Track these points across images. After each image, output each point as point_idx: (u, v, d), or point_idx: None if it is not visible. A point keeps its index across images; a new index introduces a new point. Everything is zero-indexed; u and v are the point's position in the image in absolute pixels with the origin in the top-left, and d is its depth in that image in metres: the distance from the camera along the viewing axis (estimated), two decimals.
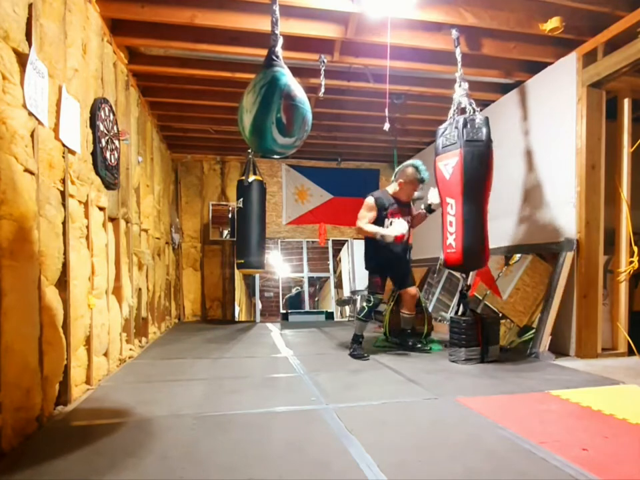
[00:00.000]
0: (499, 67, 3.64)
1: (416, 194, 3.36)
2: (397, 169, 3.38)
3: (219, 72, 3.69)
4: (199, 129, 5.13)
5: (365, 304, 3.30)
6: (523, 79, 3.78)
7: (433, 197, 3.21)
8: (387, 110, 3.47)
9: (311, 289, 7.26)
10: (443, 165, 2.98)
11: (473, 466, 1.44)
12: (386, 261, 3.28)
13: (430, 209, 3.34)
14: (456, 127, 2.90)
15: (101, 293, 2.64)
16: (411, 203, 3.43)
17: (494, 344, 3.07)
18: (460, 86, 3.13)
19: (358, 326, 3.31)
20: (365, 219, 3.22)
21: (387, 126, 3.46)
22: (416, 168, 3.21)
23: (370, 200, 3.26)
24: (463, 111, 3.09)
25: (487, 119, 2.93)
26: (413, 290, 3.44)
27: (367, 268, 3.37)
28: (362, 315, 3.28)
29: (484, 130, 2.87)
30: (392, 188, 3.34)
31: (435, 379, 2.61)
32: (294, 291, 8.48)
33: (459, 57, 3.12)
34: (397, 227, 3.09)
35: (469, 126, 2.86)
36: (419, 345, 3.50)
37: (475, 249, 2.91)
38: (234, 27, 3.00)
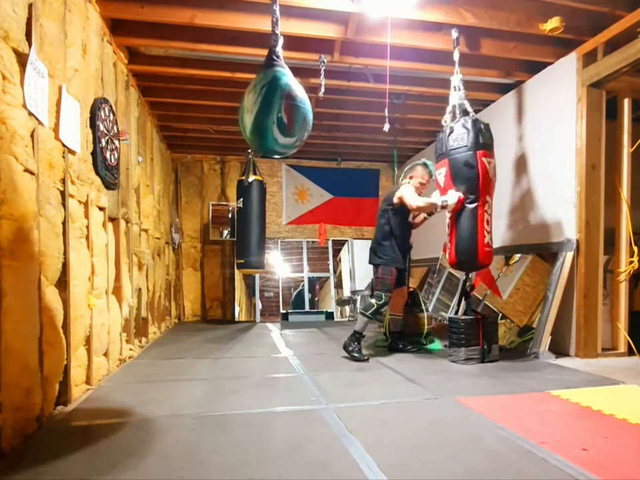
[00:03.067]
0: (498, 67, 3.64)
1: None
2: (405, 170, 3.37)
3: (218, 72, 3.69)
4: (199, 128, 5.13)
5: (374, 301, 3.12)
6: (523, 79, 3.78)
7: (452, 195, 2.98)
8: (386, 110, 3.47)
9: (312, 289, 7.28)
10: (488, 161, 2.91)
11: (472, 466, 1.44)
12: (402, 257, 3.23)
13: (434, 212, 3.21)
14: (486, 130, 2.97)
15: (101, 293, 2.64)
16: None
17: (494, 343, 3.07)
18: (459, 90, 3.13)
19: (362, 323, 3.13)
20: (415, 195, 3.11)
21: (386, 127, 3.46)
22: (425, 164, 3.25)
23: (409, 186, 3.21)
24: (465, 112, 3.10)
25: None
26: (405, 290, 3.45)
27: (383, 264, 3.19)
28: (370, 311, 3.10)
29: None
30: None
31: (435, 379, 2.61)
32: (301, 287, 8.43)
33: (456, 59, 3.11)
34: (452, 194, 2.96)
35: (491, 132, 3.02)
36: (409, 347, 3.48)
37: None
38: (234, 27, 3.00)
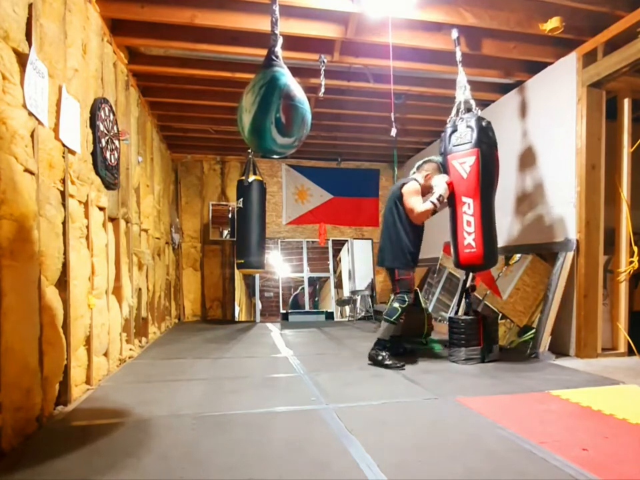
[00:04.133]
0: (498, 67, 3.64)
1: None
2: (419, 162, 3.22)
3: (218, 72, 3.69)
4: (199, 129, 5.13)
5: (398, 305, 2.93)
6: (523, 79, 3.78)
7: (439, 183, 2.98)
8: (392, 114, 3.46)
9: (310, 288, 7.28)
10: (458, 163, 2.96)
11: (473, 466, 1.44)
12: (417, 258, 3.09)
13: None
14: (468, 126, 2.94)
15: (101, 293, 2.64)
16: None
17: (494, 343, 3.07)
18: (465, 89, 3.14)
19: (387, 329, 2.93)
20: (420, 202, 2.96)
21: (394, 131, 3.41)
22: (441, 164, 3.12)
23: (416, 185, 3.03)
24: (468, 110, 3.11)
25: (489, 123, 3.03)
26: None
27: (404, 266, 2.99)
28: (395, 317, 2.91)
29: (492, 132, 3.00)
30: (420, 179, 3.12)
31: (435, 379, 2.62)
32: (299, 289, 8.42)
33: (459, 59, 3.12)
34: (439, 182, 2.97)
35: (483, 125, 2.95)
36: (411, 347, 3.47)
37: (492, 247, 3.00)
38: (234, 27, 3.00)
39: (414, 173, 3.21)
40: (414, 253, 3.05)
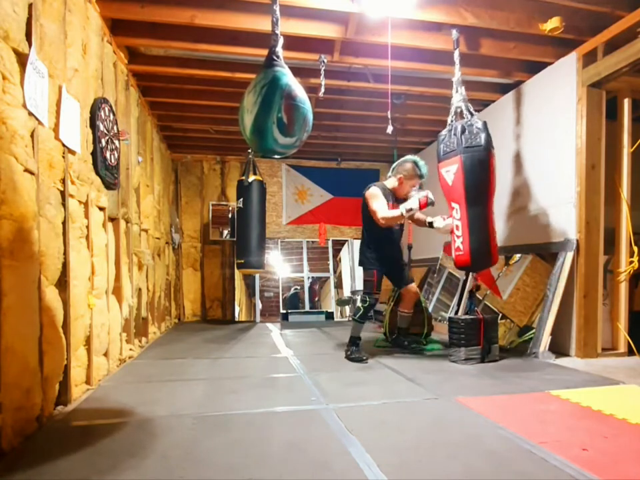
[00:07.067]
0: (498, 67, 3.64)
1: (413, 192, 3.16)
2: (394, 164, 3.29)
3: (218, 72, 3.69)
4: (199, 129, 5.13)
5: (360, 304, 3.20)
6: (523, 79, 3.78)
7: (438, 222, 3.11)
8: (389, 112, 3.47)
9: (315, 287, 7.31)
10: (445, 171, 2.99)
11: (473, 466, 1.44)
12: (385, 258, 3.20)
13: (431, 225, 3.18)
14: (454, 134, 2.95)
15: (101, 293, 2.64)
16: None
17: (494, 343, 3.07)
18: (457, 91, 3.14)
19: (354, 328, 3.20)
20: (384, 207, 3.07)
21: (390, 129, 3.44)
22: (415, 163, 3.15)
23: (375, 190, 3.15)
24: (461, 115, 3.10)
25: (485, 124, 2.93)
26: (414, 287, 3.43)
27: (364, 266, 3.24)
28: (357, 316, 3.19)
29: (482, 135, 2.89)
30: (390, 183, 3.25)
31: (435, 378, 2.61)
32: (292, 290, 8.49)
33: (457, 60, 3.12)
34: (413, 199, 2.95)
35: (467, 132, 2.91)
36: (414, 345, 3.49)
37: (481, 250, 2.95)
38: (234, 27, 3.00)
39: (390, 176, 3.29)
40: (375, 255, 3.18)
